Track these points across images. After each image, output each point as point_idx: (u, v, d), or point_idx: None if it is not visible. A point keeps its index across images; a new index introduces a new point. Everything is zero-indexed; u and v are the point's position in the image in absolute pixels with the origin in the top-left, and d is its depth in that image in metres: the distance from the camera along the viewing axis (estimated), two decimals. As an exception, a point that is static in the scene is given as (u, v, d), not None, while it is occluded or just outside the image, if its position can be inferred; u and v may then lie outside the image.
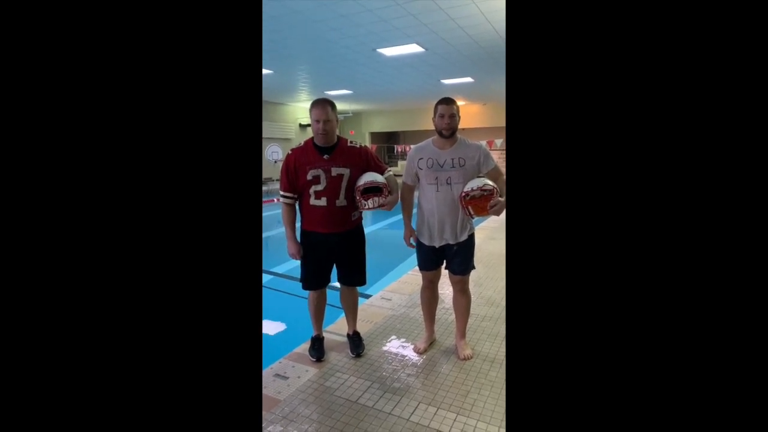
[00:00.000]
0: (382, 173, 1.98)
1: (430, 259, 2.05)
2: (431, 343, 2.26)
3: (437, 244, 1.98)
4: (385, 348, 2.24)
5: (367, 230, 2.15)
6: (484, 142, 2.12)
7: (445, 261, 2.06)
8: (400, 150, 15.59)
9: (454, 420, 1.63)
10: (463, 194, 1.85)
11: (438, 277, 2.14)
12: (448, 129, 1.89)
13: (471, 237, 2.02)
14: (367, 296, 3.03)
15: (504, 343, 2.23)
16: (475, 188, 1.83)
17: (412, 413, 1.68)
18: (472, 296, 2.21)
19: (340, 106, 13.11)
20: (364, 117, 16.51)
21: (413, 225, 2.09)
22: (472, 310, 2.31)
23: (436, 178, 1.91)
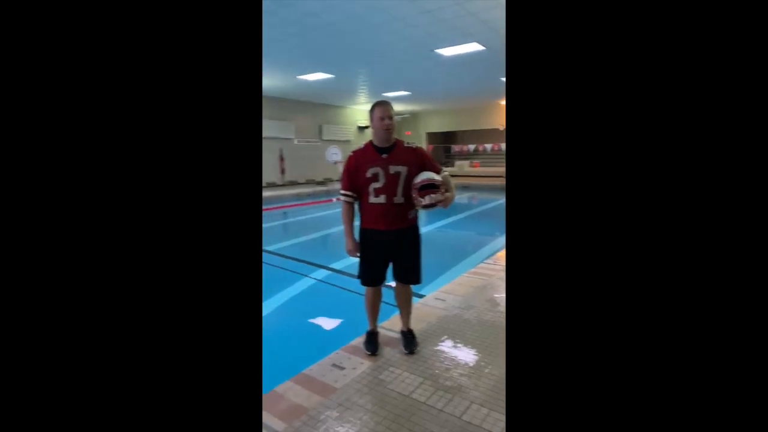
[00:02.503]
0: (437, 173, 2.01)
1: None
2: None
3: None
4: (437, 347, 2.26)
5: (422, 230, 2.19)
6: None
7: None
8: (457, 150, 15.37)
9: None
10: None
11: None
12: None
13: None
14: (421, 296, 3.06)
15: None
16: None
17: (464, 412, 1.69)
18: None
19: (397, 107, 13.23)
20: (422, 117, 16.50)
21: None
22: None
23: None
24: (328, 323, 3.17)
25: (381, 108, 1.98)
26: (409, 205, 2.02)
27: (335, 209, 9.25)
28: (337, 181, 13.79)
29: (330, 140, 13.89)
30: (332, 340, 2.63)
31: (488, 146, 14.11)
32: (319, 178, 13.64)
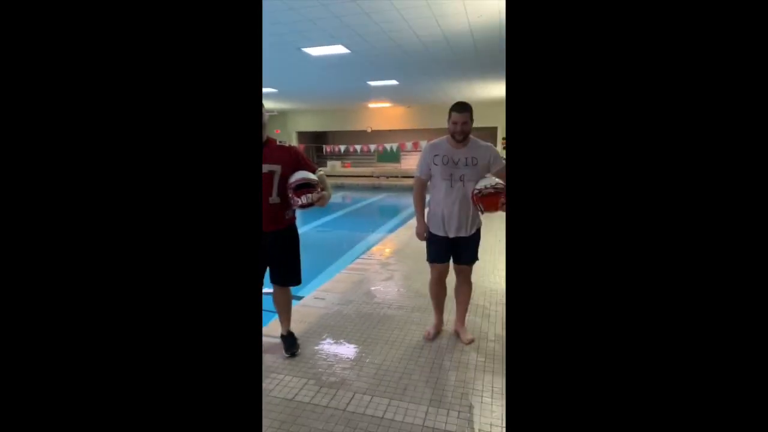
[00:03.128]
0: (313, 172, 2.01)
1: (442, 252, 2.16)
2: (439, 331, 2.38)
3: (451, 235, 2.09)
4: (319, 345, 2.28)
5: (299, 231, 2.16)
6: (492, 144, 2.25)
7: (453, 253, 2.18)
8: (329, 150, 15.51)
9: (388, 405, 1.73)
10: (476, 191, 1.99)
11: (447, 269, 2.24)
12: (461, 134, 2.02)
13: (478, 231, 2.16)
14: (300, 298, 3.03)
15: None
16: (487, 186, 1.98)
17: (348, 403, 1.75)
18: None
19: (265, 104, 12.62)
20: (291, 116, 16.13)
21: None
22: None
23: (451, 174, 2.04)
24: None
25: None
26: (286, 205, 1.98)
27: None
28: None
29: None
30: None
31: (358, 147, 14.62)
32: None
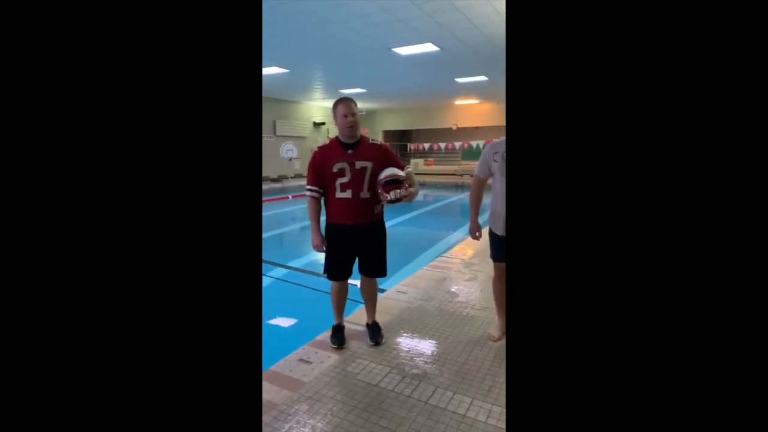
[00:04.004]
0: (401, 169, 2.07)
1: (502, 250, 2.15)
2: (504, 333, 2.29)
3: None
4: (401, 338, 2.34)
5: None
6: None
7: None
8: (413, 148, 15.65)
9: (470, 403, 1.72)
10: None
11: None
12: None
13: None
14: (383, 290, 3.13)
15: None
16: None
17: (430, 396, 1.77)
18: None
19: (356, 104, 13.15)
20: (378, 115, 16.60)
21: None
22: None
23: None
24: (286, 321, 3.15)
25: (343, 105, 2.01)
26: (375, 199, 2.07)
27: (290, 207, 9.08)
28: (292, 177, 13.53)
29: (284, 136, 13.56)
30: (294, 336, 2.62)
31: (442, 145, 14.51)
32: (274, 175, 13.29)
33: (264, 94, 12.08)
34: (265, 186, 11.95)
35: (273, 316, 3.17)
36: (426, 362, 2.07)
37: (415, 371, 1.98)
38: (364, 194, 2.03)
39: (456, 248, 4.58)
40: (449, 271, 3.60)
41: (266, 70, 8.26)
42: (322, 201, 2.11)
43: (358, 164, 2.00)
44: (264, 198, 10.27)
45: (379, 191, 2.02)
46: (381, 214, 2.17)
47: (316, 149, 2.09)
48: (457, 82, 9.35)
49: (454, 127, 14.99)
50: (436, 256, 4.21)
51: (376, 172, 2.03)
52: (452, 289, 3.13)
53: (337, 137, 2.08)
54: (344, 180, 2.00)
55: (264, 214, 8.37)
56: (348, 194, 2.02)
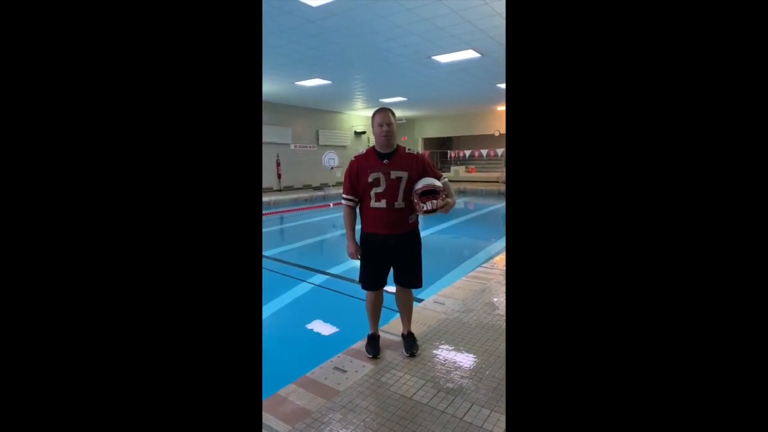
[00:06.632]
0: (438, 179, 2.04)
1: None
2: None
3: None
4: (438, 350, 2.29)
5: (421, 235, 2.22)
6: None
7: None
8: (453, 155, 15.47)
9: (508, 423, 1.64)
10: None
11: None
12: None
13: None
14: (420, 300, 3.09)
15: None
16: None
17: (466, 413, 1.71)
18: None
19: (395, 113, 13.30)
20: (418, 123, 16.61)
21: None
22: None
23: None
24: (326, 328, 3.19)
25: (380, 114, 2.02)
26: (410, 209, 2.06)
27: (332, 214, 9.26)
28: (333, 186, 13.82)
29: (327, 145, 13.93)
30: (332, 344, 2.64)
31: (484, 152, 14.22)
32: (316, 184, 13.66)
33: (307, 105, 12.50)
34: (306, 194, 12.31)
35: (313, 320, 3.23)
36: (462, 377, 2.01)
37: (450, 385, 1.93)
38: (399, 204, 2.03)
39: (497, 258, 4.43)
40: (489, 282, 3.49)
41: (309, 82, 8.55)
42: (358, 209, 2.13)
43: (393, 174, 2.00)
44: (307, 206, 10.57)
45: (415, 201, 2.00)
46: (416, 224, 2.15)
47: (353, 158, 2.12)
48: (498, 87, 9.16)
49: (497, 134, 14.66)
50: (477, 266, 4.10)
51: (411, 182, 2.02)
52: (492, 301, 3.03)
53: (374, 147, 2.10)
54: (379, 189, 2.01)
55: (306, 221, 8.63)
56: (382, 204, 2.02)
